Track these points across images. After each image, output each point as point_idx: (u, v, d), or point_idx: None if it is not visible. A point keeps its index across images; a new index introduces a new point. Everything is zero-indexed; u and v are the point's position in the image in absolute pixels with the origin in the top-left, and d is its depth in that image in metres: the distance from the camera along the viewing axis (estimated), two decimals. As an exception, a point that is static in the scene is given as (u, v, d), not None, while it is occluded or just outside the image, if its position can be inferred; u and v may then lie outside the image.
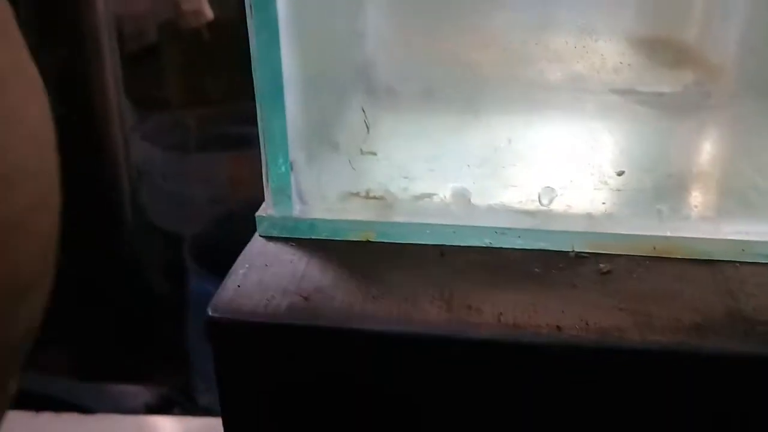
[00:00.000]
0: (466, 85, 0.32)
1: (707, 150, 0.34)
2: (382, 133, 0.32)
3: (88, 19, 0.75)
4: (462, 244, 0.31)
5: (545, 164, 0.32)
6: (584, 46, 0.31)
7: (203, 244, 0.82)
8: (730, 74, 0.34)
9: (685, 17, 0.34)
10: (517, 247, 0.30)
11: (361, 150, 0.30)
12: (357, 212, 0.31)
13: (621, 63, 0.31)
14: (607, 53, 0.31)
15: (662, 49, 0.33)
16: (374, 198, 0.31)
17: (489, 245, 0.31)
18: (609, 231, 0.30)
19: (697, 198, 0.32)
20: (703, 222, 0.30)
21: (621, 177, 0.30)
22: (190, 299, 0.82)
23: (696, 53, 0.34)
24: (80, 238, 0.57)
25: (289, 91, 0.29)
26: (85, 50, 0.75)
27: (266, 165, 0.30)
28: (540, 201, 0.30)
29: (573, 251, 0.30)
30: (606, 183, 0.30)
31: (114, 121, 0.80)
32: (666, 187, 0.31)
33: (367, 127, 0.30)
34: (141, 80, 0.84)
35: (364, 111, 0.30)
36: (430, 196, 0.31)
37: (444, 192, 0.31)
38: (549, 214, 0.30)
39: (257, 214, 0.32)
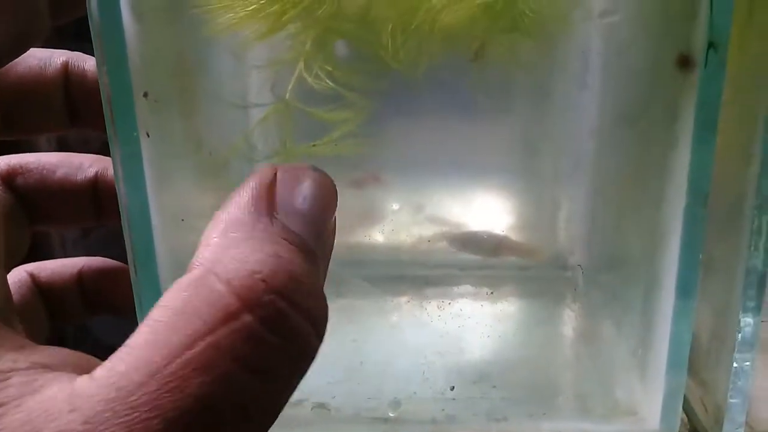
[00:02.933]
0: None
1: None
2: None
3: None
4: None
5: (393, 376, 0.37)
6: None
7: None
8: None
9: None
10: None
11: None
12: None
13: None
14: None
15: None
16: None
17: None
18: (452, 432, 0.35)
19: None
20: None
21: (454, 390, 0.36)
22: None
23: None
24: None
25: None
26: None
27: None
28: (389, 413, 0.35)
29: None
30: (443, 394, 0.36)
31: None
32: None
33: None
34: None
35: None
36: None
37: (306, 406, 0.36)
38: (398, 420, 0.36)
39: None
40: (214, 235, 0.20)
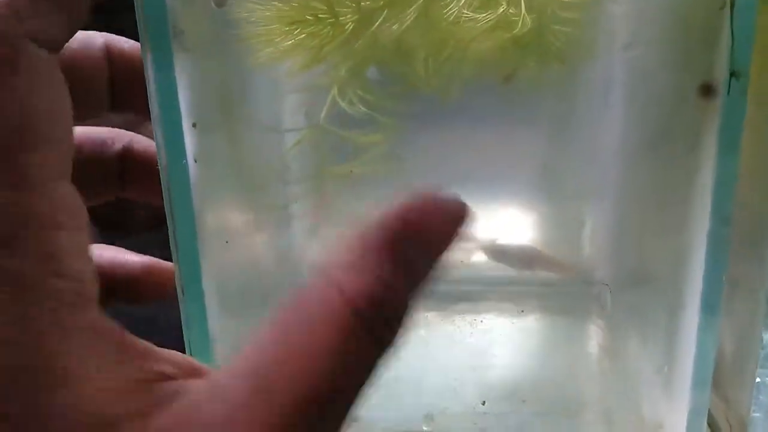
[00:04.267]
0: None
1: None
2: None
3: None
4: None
5: (427, 390, 0.39)
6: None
7: None
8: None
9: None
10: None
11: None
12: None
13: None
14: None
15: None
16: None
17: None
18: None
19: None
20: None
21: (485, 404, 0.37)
22: None
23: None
24: None
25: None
26: None
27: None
28: (423, 427, 0.37)
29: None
30: (474, 409, 0.37)
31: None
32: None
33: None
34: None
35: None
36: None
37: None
38: (433, 437, 0.37)
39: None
40: (346, 253, 0.21)
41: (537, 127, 0.42)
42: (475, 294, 0.42)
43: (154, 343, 0.21)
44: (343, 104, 0.40)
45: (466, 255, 0.41)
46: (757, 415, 0.35)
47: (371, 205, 0.30)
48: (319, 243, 0.48)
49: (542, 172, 0.44)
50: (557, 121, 0.42)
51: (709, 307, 0.33)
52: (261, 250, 0.45)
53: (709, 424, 0.39)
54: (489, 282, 0.42)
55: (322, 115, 0.41)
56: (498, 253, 0.42)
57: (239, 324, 0.37)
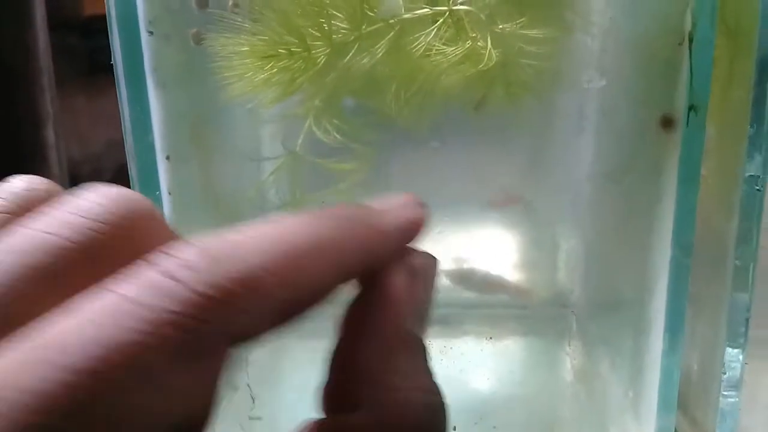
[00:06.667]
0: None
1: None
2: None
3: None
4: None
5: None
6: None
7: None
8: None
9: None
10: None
11: (249, 416, 0.37)
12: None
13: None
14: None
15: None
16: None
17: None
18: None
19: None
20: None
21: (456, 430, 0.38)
22: None
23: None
24: None
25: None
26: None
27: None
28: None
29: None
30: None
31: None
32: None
33: (253, 399, 0.37)
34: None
35: (249, 387, 0.37)
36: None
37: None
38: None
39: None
40: None
41: (509, 155, 0.43)
42: (445, 318, 0.42)
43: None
44: (318, 133, 0.41)
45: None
46: (722, 436, 0.36)
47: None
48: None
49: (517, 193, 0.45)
50: (531, 150, 0.43)
51: (672, 332, 0.34)
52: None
53: (677, 446, 0.40)
54: (459, 305, 0.43)
55: (298, 143, 0.42)
56: (461, 278, 0.43)
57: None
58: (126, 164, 0.36)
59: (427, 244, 0.47)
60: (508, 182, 0.45)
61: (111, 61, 0.31)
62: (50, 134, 0.83)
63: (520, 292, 0.46)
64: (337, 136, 0.41)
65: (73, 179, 0.86)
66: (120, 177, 0.37)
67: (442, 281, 0.45)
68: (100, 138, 0.92)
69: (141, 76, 0.31)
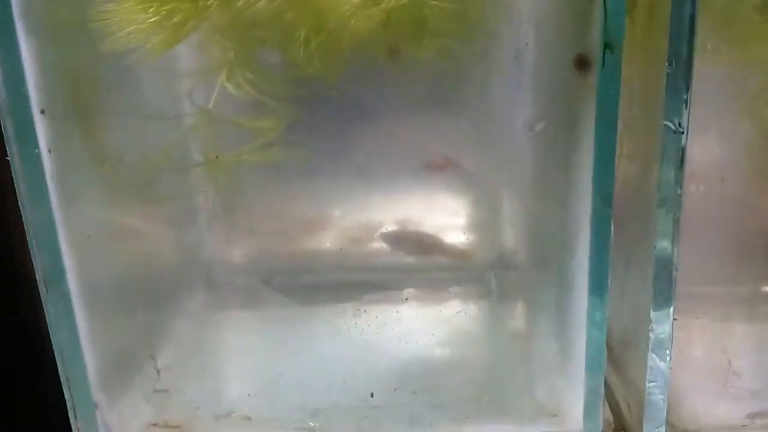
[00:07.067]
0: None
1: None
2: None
3: None
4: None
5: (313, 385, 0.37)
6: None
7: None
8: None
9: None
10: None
11: (154, 389, 0.35)
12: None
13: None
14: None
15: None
16: (172, 427, 0.36)
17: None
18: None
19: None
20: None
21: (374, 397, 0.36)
22: None
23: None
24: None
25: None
26: None
27: (73, 406, 0.34)
28: (309, 422, 0.35)
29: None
30: (365, 402, 0.36)
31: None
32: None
33: (157, 372, 0.35)
34: None
35: (154, 358, 0.35)
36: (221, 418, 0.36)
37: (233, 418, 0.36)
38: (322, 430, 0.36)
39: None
40: None
41: (433, 108, 0.41)
42: (359, 283, 0.40)
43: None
44: (230, 88, 0.39)
45: (352, 243, 0.40)
46: (654, 398, 0.34)
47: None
48: (225, 236, 0.46)
49: (452, 150, 0.43)
50: (458, 102, 0.41)
51: (596, 287, 0.32)
52: (158, 244, 0.43)
53: (613, 409, 0.38)
54: (373, 269, 0.41)
55: (212, 98, 0.40)
56: (395, 240, 0.41)
57: (116, 324, 0.35)
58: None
59: (363, 207, 0.45)
60: (439, 139, 0.42)
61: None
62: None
63: (457, 254, 0.44)
64: (251, 91, 0.39)
65: None
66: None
67: (380, 245, 0.43)
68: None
69: (10, 22, 0.28)
